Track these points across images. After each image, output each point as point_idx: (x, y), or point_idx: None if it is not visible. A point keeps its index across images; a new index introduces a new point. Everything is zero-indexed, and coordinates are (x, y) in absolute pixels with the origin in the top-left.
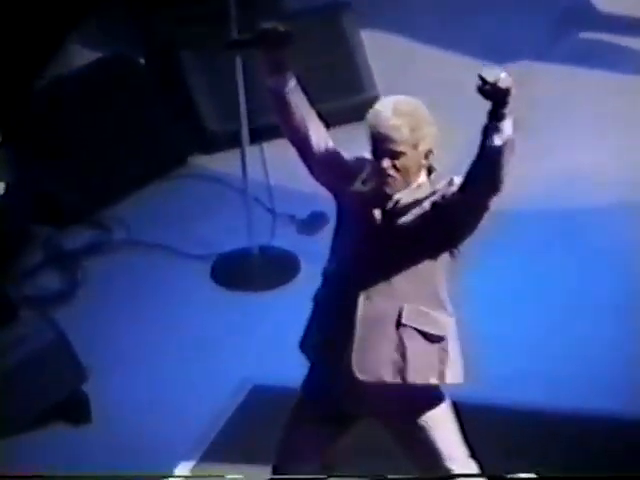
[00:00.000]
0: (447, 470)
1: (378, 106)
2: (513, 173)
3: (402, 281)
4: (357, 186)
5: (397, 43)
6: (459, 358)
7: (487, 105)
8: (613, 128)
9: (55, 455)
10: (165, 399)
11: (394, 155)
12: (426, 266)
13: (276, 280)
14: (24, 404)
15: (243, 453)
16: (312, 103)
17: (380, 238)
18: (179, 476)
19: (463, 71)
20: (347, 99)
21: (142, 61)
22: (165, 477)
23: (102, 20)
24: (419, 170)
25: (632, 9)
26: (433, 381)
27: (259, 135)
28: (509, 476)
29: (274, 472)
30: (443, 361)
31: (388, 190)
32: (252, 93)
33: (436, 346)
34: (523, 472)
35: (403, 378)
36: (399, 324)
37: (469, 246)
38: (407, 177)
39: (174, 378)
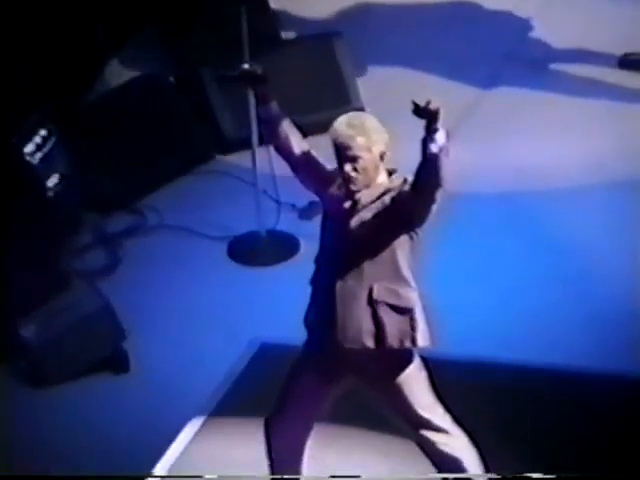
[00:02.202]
0: (422, 418)
1: (335, 123)
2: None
3: (370, 265)
4: (333, 189)
5: (379, 65)
6: (425, 325)
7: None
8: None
9: (100, 398)
10: (187, 355)
11: (353, 159)
12: (389, 250)
13: (280, 257)
14: (76, 358)
15: (252, 403)
16: (305, 113)
17: (350, 230)
18: (162, 476)
19: (430, 87)
20: (336, 110)
21: (172, 79)
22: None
23: (139, 46)
24: (377, 170)
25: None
26: (407, 345)
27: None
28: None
29: (266, 425)
30: (414, 328)
31: (353, 187)
32: None
33: (406, 316)
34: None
35: (382, 344)
36: (372, 300)
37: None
38: (367, 176)
39: (195, 337)
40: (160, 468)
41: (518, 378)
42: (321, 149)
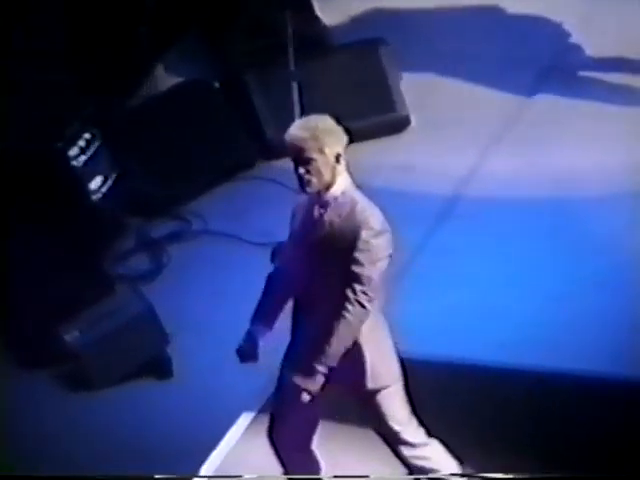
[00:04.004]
0: (395, 432)
1: (291, 127)
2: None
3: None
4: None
5: (420, 71)
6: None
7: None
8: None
9: (144, 404)
10: (231, 361)
11: (305, 161)
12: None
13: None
14: (119, 363)
15: None
16: (350, 120)
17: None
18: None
19: (474, 93)
20: (381, 117)
21: (217, 84)
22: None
23: (184, 51)
24: (333, 172)
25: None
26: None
27: None
28: (511, 476)
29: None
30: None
31: (308, 189)
32: (305, 109)
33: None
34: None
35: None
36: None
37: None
38: (321, 179)
39: (237, 341)
40: (203, 473)
41: (569, 386)
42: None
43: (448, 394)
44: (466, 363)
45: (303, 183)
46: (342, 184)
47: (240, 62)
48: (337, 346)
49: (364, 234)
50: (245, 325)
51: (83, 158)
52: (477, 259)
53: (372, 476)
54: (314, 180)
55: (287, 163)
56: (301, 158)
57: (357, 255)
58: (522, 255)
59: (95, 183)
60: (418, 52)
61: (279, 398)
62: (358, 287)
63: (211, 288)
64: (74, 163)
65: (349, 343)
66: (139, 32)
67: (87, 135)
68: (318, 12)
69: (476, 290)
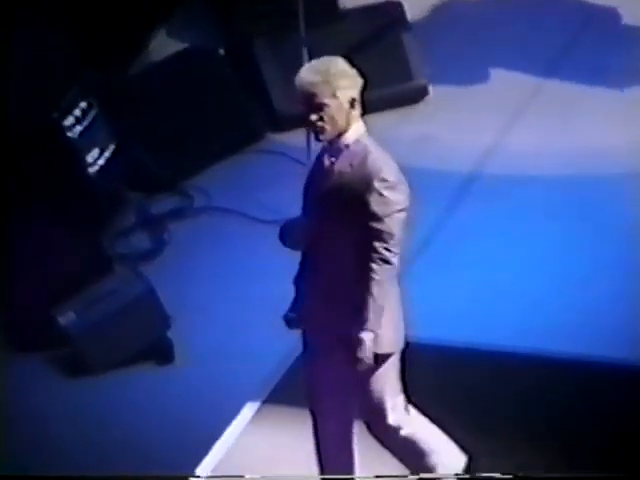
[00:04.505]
0: (381, 404)
1: (301, 70)
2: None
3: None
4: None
5: (442, 36)
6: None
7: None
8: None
9: (143, 389)
10: (236, 346)
11: (317, 107)
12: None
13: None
14: (117, 347)
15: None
16: (366, 89)
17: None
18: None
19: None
20: (398, 86)
21: (222, 51)
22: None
23: (187, 15)
24: (348, 118)
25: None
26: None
27: None
28: (511, 476)
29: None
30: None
31: (321, 137)
32: None
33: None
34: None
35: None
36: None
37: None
38: (335, 125)
39: (244, 327)
40: (205, 465)
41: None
42: None
43: (461, 378)
44: (481, 347)
45: (316, 131)
46: (356, 131)
47: (247, 27)
48: (376, 308)
49: (377, 185)
50: (252, 308)
51: (79, 128)
52: (496, 239)
53: (372, 476)
54: (327, 127)
55: (297, 136)
56: (313, 104)
57: (373, 209)
58: (543, 236)
59: (92, 155)
60: (438, 18)
61: (314, 373)
62: (380, 244)
63: (215, 269)
64: (69, 134)
65: (384, 301)
66: None
67: (83, 104)
68: None
69: (494, 271)
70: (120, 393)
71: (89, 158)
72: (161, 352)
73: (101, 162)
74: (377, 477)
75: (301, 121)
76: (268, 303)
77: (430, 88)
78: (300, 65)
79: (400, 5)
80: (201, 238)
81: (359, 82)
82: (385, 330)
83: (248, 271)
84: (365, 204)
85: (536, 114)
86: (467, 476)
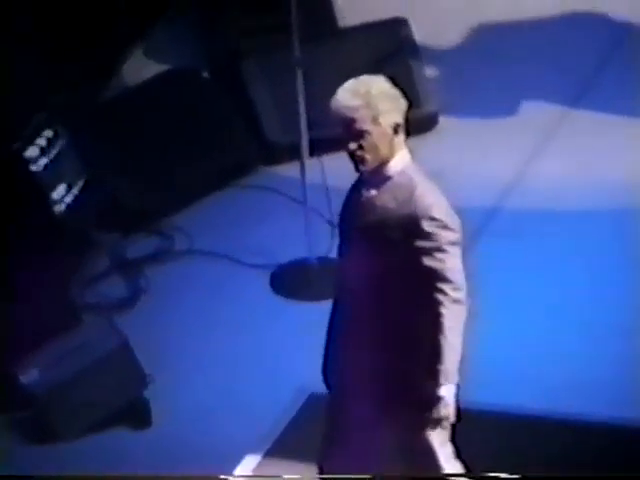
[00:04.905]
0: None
1: (338, 91)
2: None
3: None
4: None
5: (454, 66)
6: None
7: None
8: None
9: (117, 457)
10: (223, 406)
11: (357, 134)
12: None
13: (332, 290)
14: (88, 410)
15: (298, 459)
16: None
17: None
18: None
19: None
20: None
21: (206, 73)
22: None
23: (167, 33)
24: (391, 145)
25: None
26: None
27: (319, 147)
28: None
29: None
30: None
31: (362, 168)
32: (312, 105)
33: None
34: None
35: None
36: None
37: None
38: (377, 154)
39: (232, 385)
40: None
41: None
42: None
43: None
44: (499, 411)
45: (356, 161)
46: (401, 161)
47: (234, 46)
48: (453, 358)
49: (426, 225)
50: (241, 362)
51: (44, 161)
52: (519, 282)
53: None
54: (368, 157)
55: (290, 169)
56: (352, 131)
57: (430, 250)
58: (573, 278)
59: (58, 192)
60: (449, 41)
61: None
62: (446, 286)
63: (199, 318)
64: (32, 167)
65: (460, 348)
66: (114, 8)
67: (49, 132)
68: None
69: (518, 321)
70: (89, 461)
71: (55, 195)
72: (137, 414)
73: (69, 199)
74: (378, 476)
75: (294, 152)
76: (259, 356)
77: (440, 117)
78: (294, 88)
79: (406, 23)
80: (182, 284)
81: (403, 104)
82: None
83: (233, 320)
84: (415, 243)
85: (561, 145)
86: (468, 476)
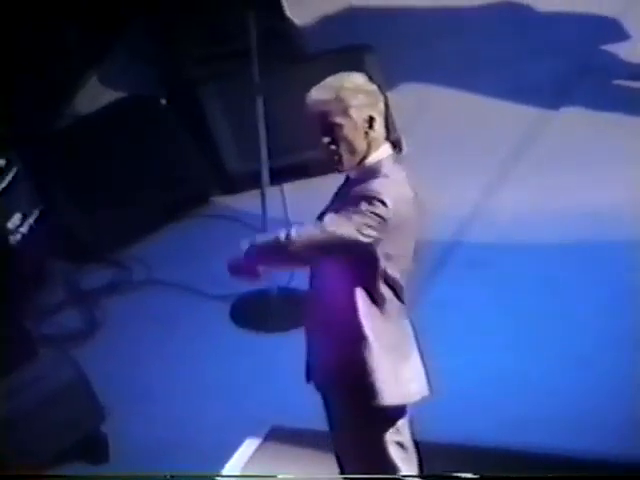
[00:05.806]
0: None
1: (312, 89)
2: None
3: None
4: None
5: (415, 81)
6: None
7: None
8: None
9: None
10: (183, 439)
11: (329, 128)
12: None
13: (294, 322)
14: (42, 443)
15: None
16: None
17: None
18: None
19: (477, 110)
20: None
21: (163, 101)
22: None
23: (123, 59)
24: (367, 141)
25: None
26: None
27: (279, 176)
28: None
29: None
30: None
31: (339, 168)
32: (273, 133)
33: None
34: None
35: None
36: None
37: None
38: (353, 150)
39: (192, 418)
40: None
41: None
42: None
43: None
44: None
45: (332, 158)
46: (379, 155)
47: (192, 72)
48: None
49: (363, 205)
50: (203, 395)
51: None
52: (483, 315)
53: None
54: (344, 153)
55: (250, 198)
56: (323, 124)
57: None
58: (539, 309)
59: (12, 222)
60: (409, 61)
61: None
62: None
63: (157, 350)
64: None
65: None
66: (66, 33)
67: (1, 161)
68: (288, 12)
69: (481, 354)
70: None
71: (9, 225)
72: (94, 450)
73: (24, 229)
74: (375, 477)
75: (254, 181)
76: (218, 388)
77: (404, 144)
78: (253, 116)
79: (370, 49)
80: (140, 316)
81: (379, 98)
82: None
83: (194, 354)
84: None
85: (530, 165)
86: (468, 476)
